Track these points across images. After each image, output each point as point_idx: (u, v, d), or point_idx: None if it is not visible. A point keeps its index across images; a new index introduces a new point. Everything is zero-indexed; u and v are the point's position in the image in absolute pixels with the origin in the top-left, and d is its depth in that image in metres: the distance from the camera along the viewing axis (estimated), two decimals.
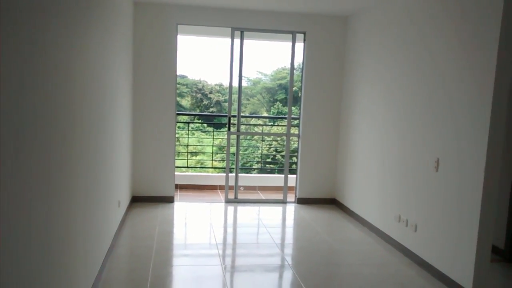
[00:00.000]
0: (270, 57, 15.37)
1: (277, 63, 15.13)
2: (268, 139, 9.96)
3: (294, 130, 6.65)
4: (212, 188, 7.08)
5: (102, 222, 3.59)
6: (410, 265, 4.11)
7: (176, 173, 6.19)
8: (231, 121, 6.11)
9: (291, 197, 6.45)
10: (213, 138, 8.87)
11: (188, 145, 8.75)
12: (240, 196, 6.41)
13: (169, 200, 6.00)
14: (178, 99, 5.95)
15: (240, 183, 6.56)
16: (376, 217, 5.00)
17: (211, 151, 8.73)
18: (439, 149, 3.83)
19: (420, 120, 4.14)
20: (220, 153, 9.12)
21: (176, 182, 6.34)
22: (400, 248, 4.41)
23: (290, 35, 6.05)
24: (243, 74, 6.12)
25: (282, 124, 8.52)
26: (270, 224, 5.37)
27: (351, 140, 5.80)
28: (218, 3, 5.55)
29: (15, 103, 1.64)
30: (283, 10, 5.80)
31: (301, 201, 6.29)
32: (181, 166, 8.01)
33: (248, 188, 7.08)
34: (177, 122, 6.81)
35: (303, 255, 4.36)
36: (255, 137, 10.18)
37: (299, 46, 6.13)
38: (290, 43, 6.06)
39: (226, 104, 13.84)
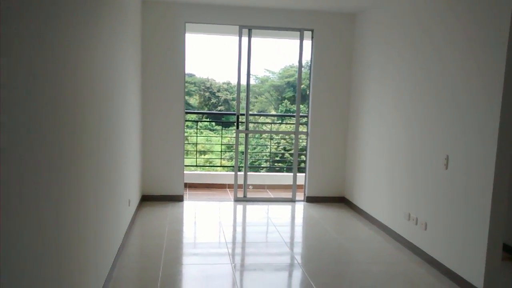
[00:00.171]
0: (278, 55, 15.33)
1: (284, 61, 15.09)
2: (276, 137, 9.95)
3: (302, 128, 6.64)
4: (221, 186, 7.10)
5: (113, 221, 3.62)
6: (420, 263, 4.09)
7: (185, 172, 6.21)
8: (240, 120, 6.11)
9: (300, 195, 6.45)
10: (221, 136, 8.88)
11: (197, 143, 8.77)
12: (249, 195, 6.41)
13: (179, 199, 6.02)
14: (186, 97, 5.97)
15: (249, 182, 6.57)
16: (386, 215, 4.98)
17: (219, 150, 8.73)
18: (449, 147, 3.80)
19: (429, 117, 4.11)
20: (228, 151, 9.13)
21: (185, 181, 6.36)
22: (410, 246, 4.39)
23: (298, 33, 6.03)
24: (251, 72, 6.11)
25: (291, 122, 8.51)
26: (279, 223, 5.37)
27: (359, 138, 5.78)
28: (226, 1, 5.55)
29: (25, 103, 1.65)
30: (291, 8, 5.79)
31: (310, 199, 6.28)
32: (190, 165, 8.02)
33: (257, 187, 7.09)
34: (186, 120, 6.82)
35: (312, 254, 4.36)
36: (264, 135, 10.18)
37: (307, 43, 6.12)
38: (298, 41, 6.05)
39: (234, 102, 13.84)
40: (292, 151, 7.42)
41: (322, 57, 6.07)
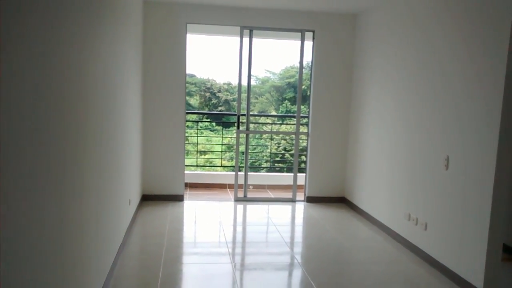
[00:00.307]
0: (279, 56, 15.35)
1: (285, 62, 15.10)
2: (277, 137, 9.97)
3: (303, 129, 6.65)
4: (221, 186, 7.11)
5: (114, 220, 3.63)
6: (420, 263, 4.11)
7: (185, 172, 6.23)
8: (240, 120, 6.12)
9: (300, 195, 6.46)
10: (222, 137, 8.89)
11: (197, 144, 8.79)
12: (249, 195, 6.42)
13: (179, 198, 6.03)
14: (186, 98, 5.98)
15: (249, 182, 6.58)
16: (386, 216, 4.99)
17: (220, 150, 8.74)
18: (449, 147, 3.81)
19: (429, 117, 4.13)
20: (228, 151, 9.14)
21: (185, 181, 6.37)
22: (410, 247, 4.40)
23: (299, 34, 6.05)
24: (252, 72, 6.13)
25: (291, 123, 8.53)
26: (280, 223, 5.38)
27: (360, 138, 5.79)
28: (227, 2, 5.57)
29: (30, 104, 1.67)
30: (292, 9, 5.80)
31: (310, 199, 6.29)
32: (190, 165, 8.04)
33: (257, 187, 7.10)
34: (186, 121, 6.83)
35: (312, 253, 4.37)
36: (264, 136, 10.19)
37: (308, 44, 6.13)
38: (299, 42, 6.06)
39: (235, 103, 13.85)
40: (292, 152, 7.43)
41: (323, 58, 6.08)
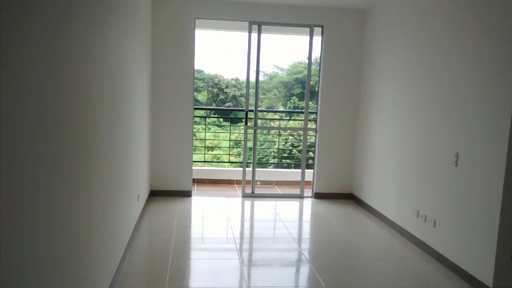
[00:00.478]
0: (287, 51, 15.31)
1: (293, 58, 15.07)
2: (284, 133, 9.95)
3: (310, 125, 6.63)
4: (229, 182, 7.12)
5: (122, 216, 3.64)
6: (428, 260, 4.08)
7: (193, 167, 6.24)
8: (248, 116, 6.11)
9: (308, 191, 6.45)
10: (229, 132, 8.90)
11: (205, 139, 8.80)
12: (257, 191, 6.42)
13: (187, 194, 6.05)
14: (194, 93, 5.98)
15: (257, 178, 6.58)
16: (394, 212, 4.97)
17: (227, 146, 8.75)
18: (459, 144, 3.78)
19: (439, 113, 4.09)
20: (236, 147, 9.15)
21: (193, 177, 6.39)
22: (418, 243, 4.38)
23: (308, 29, 6.02)
24: (260, 68, 6.12)
25: (299, 118, 8.51)
26: (287, 219, 5.38)
27: (368, 134, 5.77)
28: None
29: (37, 102, 1.67)
30: (301, 4, 5.78)
31: (318, 195, 6.28)
32: (198, 160, 8.05)
33: (265, 183, 7.10)
34: (194, 116, 6.84)
35: (320, 249, 4.37)
36: (271, 131, 10.18)
37: (317, 40, 6.10)
38: (308, 37, 6.03)
39: (242, 98, 13.84)
40: (299, 148, 7.42)
41: (332, 53, 6.05)
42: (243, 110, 6.22)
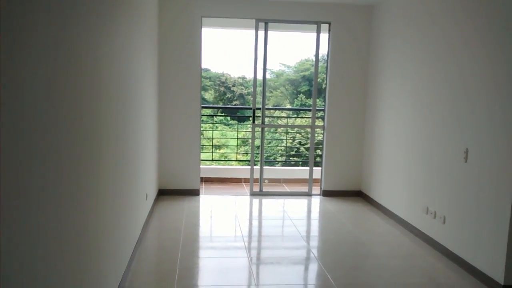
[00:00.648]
0: (294, 49, 15.26)
1: (300, 55, 15.01)
2: (291, 131, 9.93)
3: (318, 122, 6.61)
4: (237, 181, 7.12)
5: (131, 215, 3.65)
6: (438, 257, 4.06)
7: (201, 166, 6.24)
8: (255, 114, 6.10)
9: (316, 189, 6.43)
10: (237, 131, 8.89)
11: (212, 138, 8.81)
12: (265, 189, 6.42)
13: (195, 193, 6.06)
14: (201, 92, 5.98)
15: (264, 176, 6.57)
16: (403, 209, 4.94)
17: (235, 144, 8.75)
18: (468, 139, 3.75)
19: (448, 109, 4.06)
20: (243, 146, 9.14)
21: (201, 175, 6.39)
22: (428, 240, 4.35)
23: (315, 26, 5.99)
24: (267, 66, 6.10)
25: (306, 116, 8.48)
26: (296, 217, 5.37)
27: (376, 132, 5.73)
28: None
29: (44, 102, 1.67)
30: (308, 0, 5.75)
31: (326, 193, 6.26)
32: (205, 159, 8.06)
33: (272, 181, 7.09)
34: (201, 115, 6.84)
35: (329, 247, 4.35)
36: (279, 130, 10.16)
37: (324, 37, 6.07)
38: (315, 34, 6.01)
39: (249, 97, 13.83)
40: (307, 145, 7.40)
41: (340, 50, 6.02)
42: (250, 108, 6.21)
